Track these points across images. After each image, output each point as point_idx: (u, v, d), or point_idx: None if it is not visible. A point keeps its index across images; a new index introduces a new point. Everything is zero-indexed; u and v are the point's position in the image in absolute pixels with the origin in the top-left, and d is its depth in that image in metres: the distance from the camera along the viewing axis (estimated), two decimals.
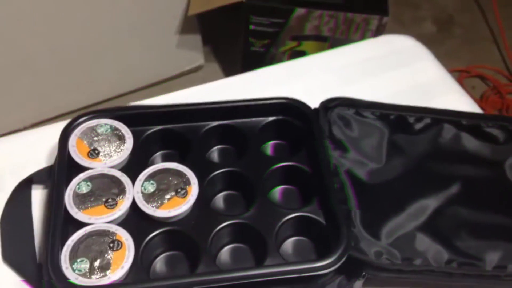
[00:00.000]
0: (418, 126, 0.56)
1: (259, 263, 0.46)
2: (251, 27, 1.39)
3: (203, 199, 0.50)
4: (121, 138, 0.51)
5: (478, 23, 1.79)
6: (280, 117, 0.55)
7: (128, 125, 0.53)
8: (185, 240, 0.46)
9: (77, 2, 1.28)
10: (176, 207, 0.46)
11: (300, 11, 1.33)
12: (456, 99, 0.67)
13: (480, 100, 1.59)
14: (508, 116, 1.32)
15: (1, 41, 1.23)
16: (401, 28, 1.69)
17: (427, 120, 0.56)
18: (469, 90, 1.61)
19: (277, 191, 0.53)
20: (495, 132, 0.54)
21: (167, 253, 0.48)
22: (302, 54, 1.43)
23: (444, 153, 0.53)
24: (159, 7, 1.42)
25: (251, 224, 0.47)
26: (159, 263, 0.48)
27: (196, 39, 1.57)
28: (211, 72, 1.64)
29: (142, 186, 0.47)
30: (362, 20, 1.33)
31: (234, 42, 1.60)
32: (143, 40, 1.47)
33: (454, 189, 0.50)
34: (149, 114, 0.54)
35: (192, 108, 0.54)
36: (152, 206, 0.46)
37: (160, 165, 0.49)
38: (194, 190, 0.47)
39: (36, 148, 0.56)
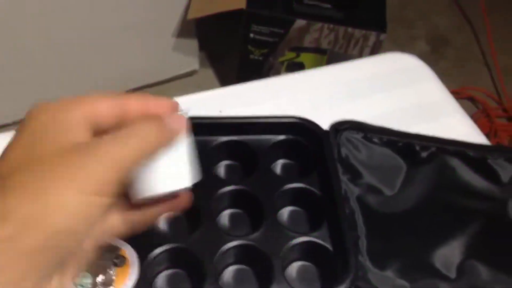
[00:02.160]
0: (424, 154, 0.56)
1: (263, 287, 0.45)
2: (251, 35, 1.39)
3: (209, 216, 0.49)
4: None
5: (471, 45, 1.81)
6: (290, 137, 0.55)
7: None
8: (189, 258, 0.45)
9: (77, 1, 1.26)
10: None
11: (300, 22, 1.33)
12: (458, 122, 0.68)
13: None
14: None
15: (3, 37, 1.21)
16: (395, 46, 1.70)
17: (433, 149, 0.56)
18: None
19: (285, 212, 0.52)
20: (502, 165, 0.55)
21: (170, 271, 0.48)
22: (300, 65, 1.43)
23: (452, 186, 0.53)
24: (158, 9, 1.41)
25: (258, 246, 0.47)
26: (161, 280, 0.47)
27: (192, 43, 1.56)
28: (205, 77, 1.63)
29: None
30: (361, 36, 1.34)
31: (230, 48, 1.59)
32: (139, 41, 1.45)
33: (463, 225, 0.50)
34: None
35: (202, 122, 0.54)
36: None
37: None
38: None
39: None
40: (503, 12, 1.87)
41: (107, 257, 0.43)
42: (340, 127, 0.55)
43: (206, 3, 1.39)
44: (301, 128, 0.55)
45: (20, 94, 1.34)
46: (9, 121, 1.36)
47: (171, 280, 0.47)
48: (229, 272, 0.48)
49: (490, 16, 1.77)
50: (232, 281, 0.48)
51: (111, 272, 0.43)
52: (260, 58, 1.45)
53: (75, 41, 1.35)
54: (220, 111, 0.61)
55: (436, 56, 1.76)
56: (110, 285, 0.42)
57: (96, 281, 0.42)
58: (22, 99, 1.35)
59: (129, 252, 0.44)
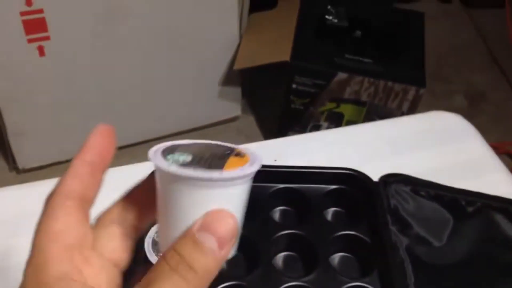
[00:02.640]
0: (470, 209, 0.59)
1: None
2: (294, 85, 1.45)
3: (266, 257, 0.53)
4: None
5: (509, 100, 1.84)
6: (342, 187, 0.59)
7: None
8: None
9: (132, 50, 1.36)
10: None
11: (342, 75, 1.39)
12: (500, 179, 0.71)
13: None
14: None
15: (60, 77, 1.31)
16: (434, 101, 1.75)
17: (478, 204, 0.59)
18: None
19: (336, 258, 0.56)
20: None
21: None
22: (339, 115, 1.48)
23: (497, 241, 0.56)
24: (206, 59, 1.50)
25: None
26: None
27: (236, 91, 1.64)
28: (246, 124, 1.70)
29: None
30: (401, 90, 1.39)
31: (271, 96, 1.66)
32: (188, 88, 1.54)
33: (507, 279, 0.52)
34: None
35: (262, 170, 0.58)
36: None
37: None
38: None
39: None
40: None
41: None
42: (389, 179, 0.59)
43: (252, 55, 1.47)
44: (353, 179, 0.59)
45: (80, 130, 1.43)
46: (62, 159, 1.44)
47: None
48: None
49: None
50: None
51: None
52: (301, 107, 1.51)
53: (129, 87, 1.44)
54: (275, 160, 0.65)
55: (474, 111, 1.79)
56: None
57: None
58: (84, 136, 1.44)
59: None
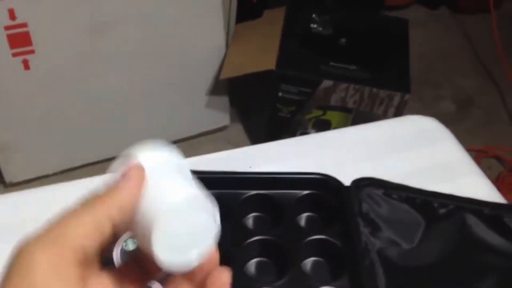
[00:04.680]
0: (442, 211, 0.59)
1: None
2: (280, 94, 1.46)
3: (238, 264, 0.53)
4: None
5: (497, 105, 1.85)
6: (314, 192, 0.59)
7: None
8: None
9: (118, 61, 1.36)
10: None
11: (327, 82, 1.40)
12: (475, 181, 0.71)
13: (496, 180, 1.62)
14: None
15: (45, 90, 1.31)
16: (421, 106, 1.76)
17: (451, 207, 0.59)
18: (485, 170, 1.64)
19: (308, 262, 0.56)
20: None
21: None
22: (326, 122, 1.49)
23: (469, 243, 0.56)
24: (193, 69, 1.51)
25: None
26: None
27: (224, 100, 1.64)
28: (235, 133, 1.70)
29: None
30: (386, 96, 1.39)
31: (260, 105, 1.67)
32: (175, 99, 1.54)
33: (479, 281, 0.53)
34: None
35: (233, 176, 0.59)
36: None
37: None
38: None
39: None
40: None
41: None
42: (361, 183, 0.59)
43: (238, 64, 1.48)
44: (324, 184, 0.59)
45: (66, 144, 1.43)
46: (50, 172, 1.44)
47: None
48: None
49: None
50: None
51: None
52: (288, 115, 1.52)
53: (116, 99, 1.44)
54: (250, 167, 0.66)
55: (462, 115, 1.79)
56: None
57: None
58: (58, 152, 1.45)
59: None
